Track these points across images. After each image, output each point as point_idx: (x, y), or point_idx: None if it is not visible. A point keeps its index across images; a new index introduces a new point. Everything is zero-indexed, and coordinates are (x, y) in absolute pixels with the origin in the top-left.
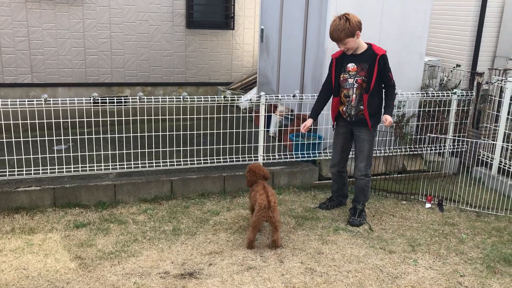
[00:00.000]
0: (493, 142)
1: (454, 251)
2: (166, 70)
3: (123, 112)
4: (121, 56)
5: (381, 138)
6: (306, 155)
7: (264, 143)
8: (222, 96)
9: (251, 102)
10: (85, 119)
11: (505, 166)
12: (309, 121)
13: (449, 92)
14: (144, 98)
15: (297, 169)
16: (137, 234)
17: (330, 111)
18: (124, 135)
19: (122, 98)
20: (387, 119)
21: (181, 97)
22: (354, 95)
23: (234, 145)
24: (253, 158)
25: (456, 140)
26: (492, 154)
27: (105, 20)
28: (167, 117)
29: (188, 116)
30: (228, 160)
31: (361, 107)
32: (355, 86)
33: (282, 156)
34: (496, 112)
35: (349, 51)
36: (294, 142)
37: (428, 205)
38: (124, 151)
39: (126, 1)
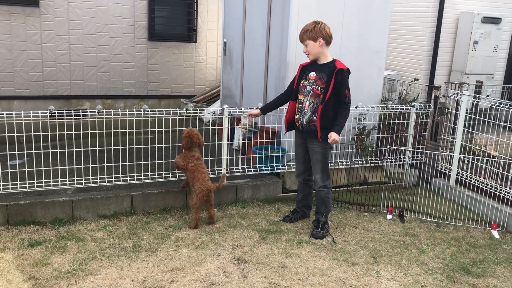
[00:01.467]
0: (451, 154)
1: (415, 261)
2: (127, 82)
3: (81, 125)
4: (81, 68)
5: (343, 150)
6: (269, 168)
7: (227, 156)
8: (184, 109)
9: (214, 115)
10: (41, 133)
11: (462, 177)
12: (256, 111)
13: (408, 105)
14: (103, 111)
15: (260, 182)
16: (96, 251)
17: (285, 114)
18: (82, 149)
19: (80, 111)
20: (331, 135)
21: (142, 110)
22: (307, 103)
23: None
24: (216, 171)
25: (415, 152)
26: (450, 165)
27: (63, 32)
28: (127, 130)
29: (149, 130)
30: None
31: (314, 117)
32: (310, 93)
33: (246, 169)
34: (453, 125)
35: (310, 56)
36: (257, 155)
37: (389, 217)
38: (82, 166)
39: (86, 13)
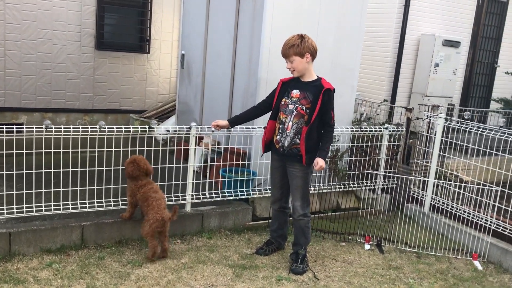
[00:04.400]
0: (425, 179)
1: None
2: (70, 95)
3: (24, 142)
4: (17, 77)
5: (315, 173)
6: (239, 193)
7: (194, 180)
8: (146, 126)
9: (171, 133)
10: None
11: (437, 203)
12: (223, 122)
13: (381, 127)
14: (52, 128)
15: (228, 209)
16: None
17: (263, 134)
18: (24, 172)
19: (24, 126)
20: (318, 162)
21: (98, 126)
22: (290, 123)
23: (158, 183)
24: (180, 197)
25: (387, 176)
26: (423, 191)
27: None
28: (79, 149)
29: (105, 149)
30: None
31: (297, 140)
32: (293, 113)
33: (214, 195)
34: (425, 148)
35: (295, 73)
36: (226, 179)
37: (367, 246)
38: (24, 192)
39: (26, 16)
